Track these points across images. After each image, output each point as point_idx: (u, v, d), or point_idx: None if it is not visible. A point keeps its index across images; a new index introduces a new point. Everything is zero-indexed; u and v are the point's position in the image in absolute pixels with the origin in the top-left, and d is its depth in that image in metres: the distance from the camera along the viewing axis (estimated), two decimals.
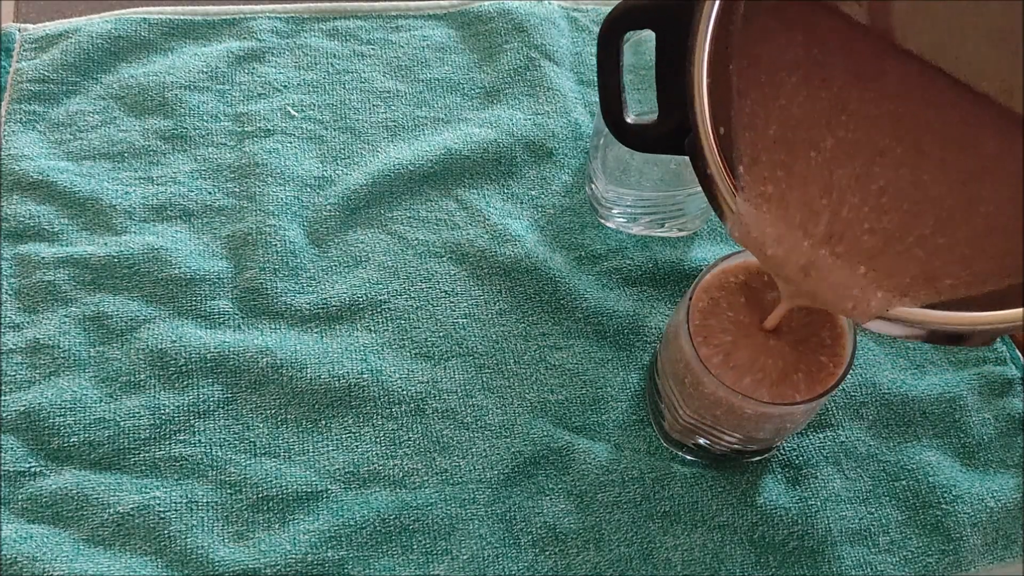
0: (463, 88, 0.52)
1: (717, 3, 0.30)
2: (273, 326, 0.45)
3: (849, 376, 0.45)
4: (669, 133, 0.34)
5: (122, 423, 0.42)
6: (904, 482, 0.43)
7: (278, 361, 0.44)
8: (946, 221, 0.29)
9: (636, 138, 0.36)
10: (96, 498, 0.40)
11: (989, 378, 0.46)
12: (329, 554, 0.40)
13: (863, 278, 0.29)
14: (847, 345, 0.36)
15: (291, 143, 0.50)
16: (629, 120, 0.36)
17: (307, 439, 0.43)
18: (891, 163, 0.29)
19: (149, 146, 0.49)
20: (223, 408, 0.43)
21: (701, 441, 0.40)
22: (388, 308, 0.46)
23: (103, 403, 0.42)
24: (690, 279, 0.47)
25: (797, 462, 0.43)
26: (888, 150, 0.29)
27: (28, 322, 0.44)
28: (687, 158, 0.33)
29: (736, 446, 0.40)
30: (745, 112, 0.31)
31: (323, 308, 0.46)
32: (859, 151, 0.30)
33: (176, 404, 0.43)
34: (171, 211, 0.47)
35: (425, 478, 0.42)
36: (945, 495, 0.43)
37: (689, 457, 0.43)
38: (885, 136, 0.29)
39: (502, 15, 0.54)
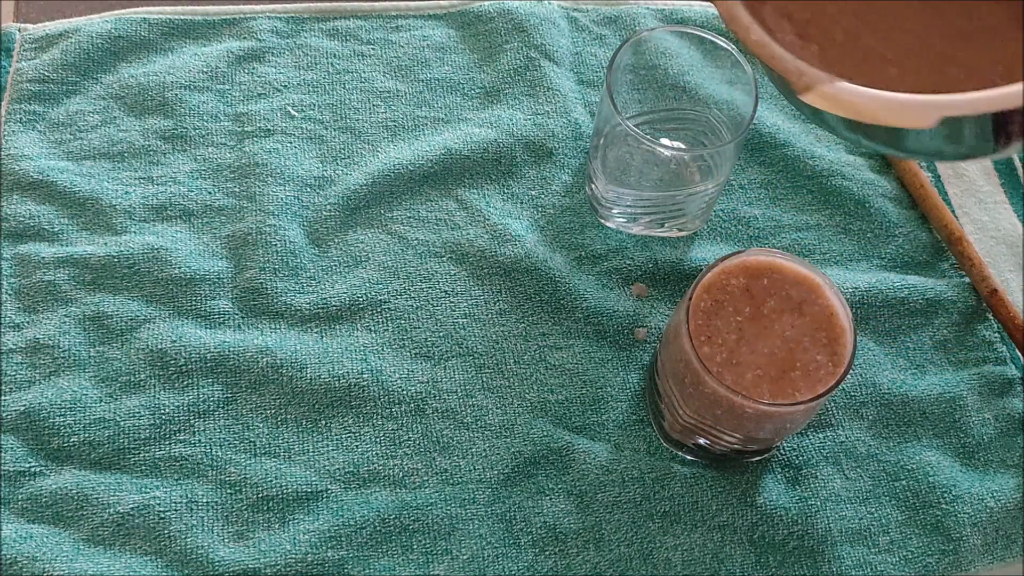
0: (463, 88, 0.52)
1: None
2: (273, 326, 0.45)
3: (849, 376, 0.45)
4: None
5: (122, 423, 0.42)
6: (904, 482, 0.43)
7: (278, 361, 0.44)
8: (908, 59, 0.28)
9: None
10: (96, 498, 0.40)
11: (989, 378, 0.46)
12: (329, 554, 0.40)
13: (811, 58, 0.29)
14: (847, 344, 0.36)
15: (291, 143, 0.50)
16: None
17: (307, 439, 0.43)
18: None
19: (149, 146, 0.49)
20: (223, 408, 0.43)
21: (701, 441, 0.40)
22: (388, 308, 0.46)
23: (103, 403, 0.42)
24: (690, 279, 0.47)
25: (797, 462, 0.43)
26: None
27: (28, 322, 0.44)
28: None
29: (736, 446, 0.40)
30: None
31: (323, 308, 0.46)
32: None
33: (176, 404, 0.43)
34: (171, 211, 0.47)
35: (425, 478, 0.42)
36: (945, 495, 0.43)
37: (689, 457, 0.43)
38: None
39: (502, 15, 0.54)
